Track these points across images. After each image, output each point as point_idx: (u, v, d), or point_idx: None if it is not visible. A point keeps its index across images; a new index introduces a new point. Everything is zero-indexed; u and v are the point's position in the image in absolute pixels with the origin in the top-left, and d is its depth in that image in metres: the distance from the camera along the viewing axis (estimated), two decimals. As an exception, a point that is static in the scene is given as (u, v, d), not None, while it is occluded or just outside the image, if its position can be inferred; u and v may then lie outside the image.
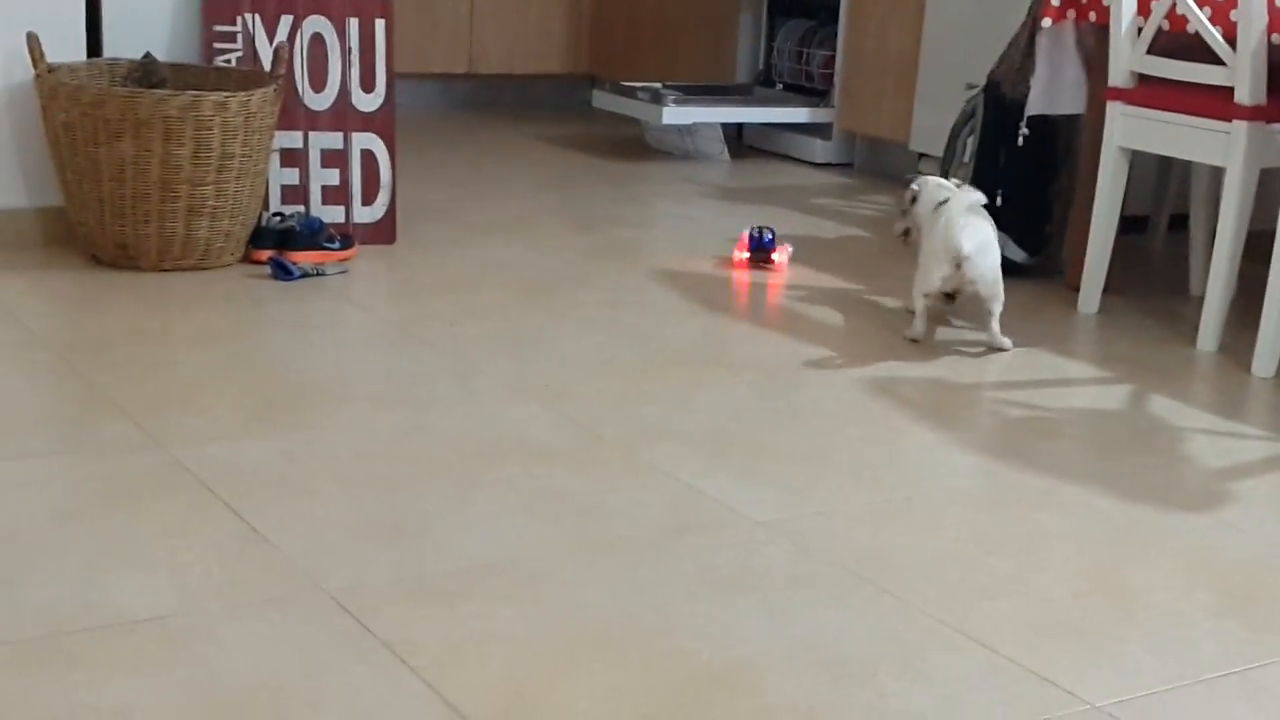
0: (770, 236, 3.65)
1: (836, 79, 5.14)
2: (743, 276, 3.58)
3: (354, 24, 3.59)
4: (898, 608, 1.91)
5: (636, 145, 5.35)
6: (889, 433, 2.58)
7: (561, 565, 1.98)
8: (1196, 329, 3.22)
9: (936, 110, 4.58)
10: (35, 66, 3.23)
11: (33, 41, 3.23)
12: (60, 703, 1.57)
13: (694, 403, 2.66)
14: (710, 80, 5.58)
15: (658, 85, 5.20)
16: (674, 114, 4.98)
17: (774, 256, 3.65)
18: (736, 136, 5.52)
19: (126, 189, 3.18)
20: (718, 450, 2.43)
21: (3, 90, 3.35)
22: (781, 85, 5.47)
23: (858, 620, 1.87)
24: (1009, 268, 3.50)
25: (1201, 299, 3.24)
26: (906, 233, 3.34)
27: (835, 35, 5.15)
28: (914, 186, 3.28)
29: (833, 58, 5.17)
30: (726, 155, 5.23)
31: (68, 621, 1.74)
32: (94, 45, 3.48)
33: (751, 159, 5.30)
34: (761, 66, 5.57)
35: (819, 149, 5.21)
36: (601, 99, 5.29)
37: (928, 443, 2.54)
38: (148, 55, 3.43)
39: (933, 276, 3.06)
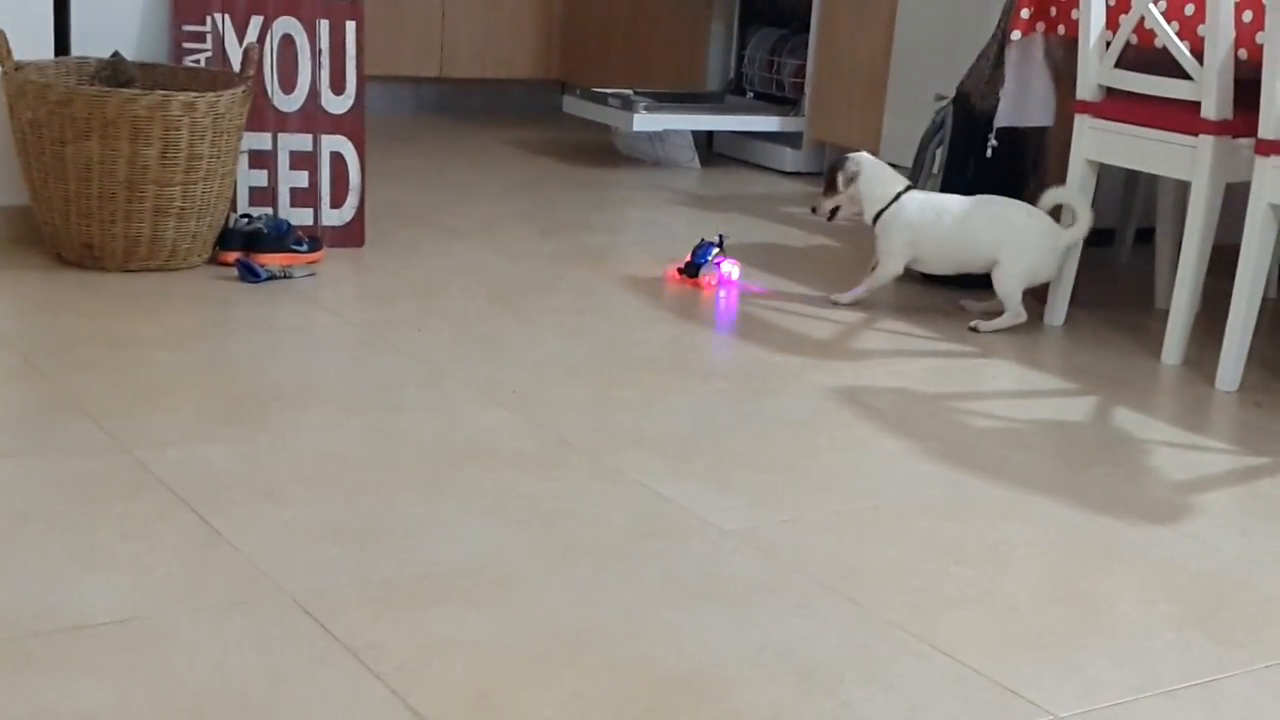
0: (710, 251, 3.58)
1: (807, 88, 5.15)
2: (710, 286, 3.57)
3: (324, 25, 3.57)
4: (863, 616, 1.92)
5: (607, 151, 5.35)
6: (856, 442, 2.58)
7: (528, 571, 1.97)
8: (1161, 342, 3.24)
9: (906, 121, 4.60)
10: (2, 64, 3.21)
11: (0, 39, 3.20)
12: (20, 706, 1.55)
13: (662, 409, 2.66)
14: (681, 88, 5.59)
15: (628, 92, 5.21)
16: (644, 121, 4.98)
17: (721, 268, 3.56)
18: (707, 144, 5.52)
19: (93, 188, 3.16)
20: (685, 457, 2.43)
21: (-32, 87, 3.33)
22: (752, 94, 5.48)
23: (823, 628, 1.88)
24: (976, 280, 3.52)
25: (1167, 312, 3.26)
26: (834, 211, 3.49)
27: (806, 44, 5.17)
28: (851, 165, 3.43)
29: (803, 67, 5.18)
30: (697, 163, 5.23)
31: (28, 624, 1.73)
32: (62, 44, 3.46)
33: (722, 167, 5.31)
34: (732, 75, 5.58)
35: (789, 158, 5.22)
36: (572, 104, 5.29)
37: (894, 452, 2.54)
38: (116, 54, 3.41)
39: (1048, 263, 3.35)
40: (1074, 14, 3.39)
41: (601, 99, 5.15)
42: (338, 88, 3.59)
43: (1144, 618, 1.98)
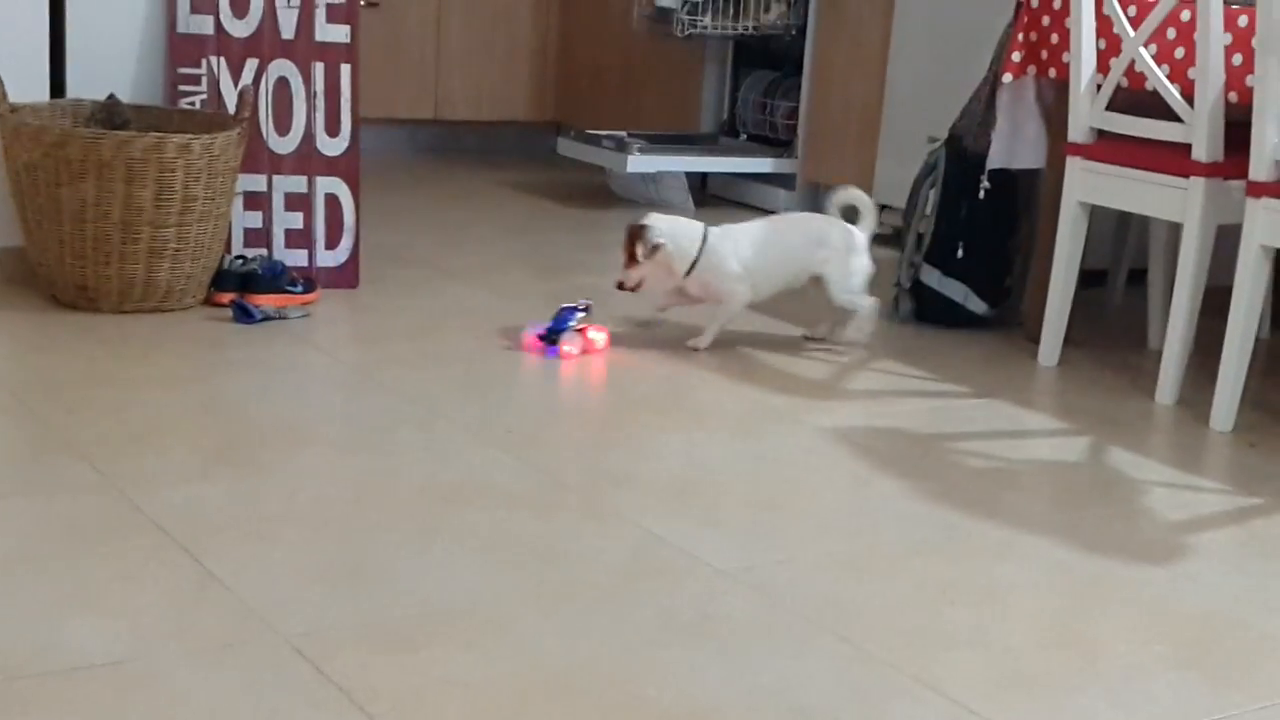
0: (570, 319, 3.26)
1: (800, 130, 5.17)
2: (569, 355, 3.22)
3: (319, 68, 3.59)
4: (858, 657, 1.91)
5: (601, 193, 5.37)
6: (850, 482, 2.58)
7: (521, 611, 1.97)
8: (1155, 382, 3.24)
9: (899, 163, 4.61)
10: (-2, 106, 3.22)
11: (-4, 81, 3.22)
12: (10, 748, 1.55)
13: (656, 450, 2.66)
14: (675, 129, 5.61)
15: (623, 134, 5.22)
16: (639, 162, 4.99)
17: (565, 346, 3.21)
18: (700, 186, 5.54)
19: (88, 230, 3.17)
20: (679, 497, 2.43)
21: (-36, 129, 3.34)
22: (745, 135, 5.50)
23: (818, 669, 1.87)
24: (970, 319, 3.53)
25: (1160, 353, 3.26)
26: (639, 283, 3.31)
27: (799, 87, 5.19)
28: (651, 234, 3.25)
29: (796, 109, 5.20)
30: (690, 204, 5.24)
31: (20, 666, 1.72)
32: (57, 86, 3.47)
33: (715, 208, 5.32)
34: (725, 116, 5.61)
35: (782, 199, 5.23)
36: (566, 146, 5.31)
37: (889, 492, 2.54)
38: (111, 96, 3.42)
39: (866, 262, 3.43)
40: (1065, 57, 3.41)
41: (596, 141, 5.17)
42: (332, 130, 3.61)
43: (1140, 658, 1.98)
